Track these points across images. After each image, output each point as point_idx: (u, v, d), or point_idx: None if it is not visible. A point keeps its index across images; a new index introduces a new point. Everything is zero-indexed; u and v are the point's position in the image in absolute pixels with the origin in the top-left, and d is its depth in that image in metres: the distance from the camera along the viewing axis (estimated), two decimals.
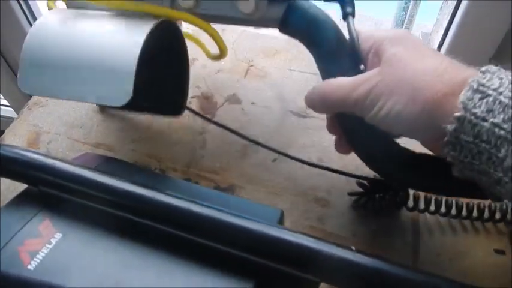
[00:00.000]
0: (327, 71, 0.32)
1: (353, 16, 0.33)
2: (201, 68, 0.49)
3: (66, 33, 0.32)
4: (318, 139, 0.43)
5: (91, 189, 0.27)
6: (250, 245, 0.24)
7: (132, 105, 0.29)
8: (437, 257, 0.36)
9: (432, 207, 0.36)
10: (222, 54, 0.39)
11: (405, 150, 0.32)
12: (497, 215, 0.36)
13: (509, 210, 0.36)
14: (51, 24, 0.32)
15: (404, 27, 0.88)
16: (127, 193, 0.26)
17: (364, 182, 0.37)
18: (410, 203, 0.36)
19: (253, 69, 0.49)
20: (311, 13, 0.33)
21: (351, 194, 0.39)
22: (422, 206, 0.36)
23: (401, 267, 0.24)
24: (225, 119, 0.44)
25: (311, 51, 0.34)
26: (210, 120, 0.43)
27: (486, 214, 0.36)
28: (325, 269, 0.24)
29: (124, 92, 0.29)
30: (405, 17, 0.86)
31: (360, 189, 0.38)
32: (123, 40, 0.31)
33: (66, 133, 0.43)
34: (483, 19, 0.57)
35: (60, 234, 0.26)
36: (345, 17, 0.33)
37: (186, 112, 0.43)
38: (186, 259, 0.25)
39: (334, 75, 0.31)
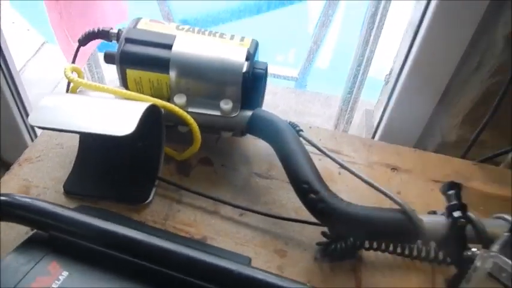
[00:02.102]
0: (288, 166, 0.42)
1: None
2: None
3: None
4: (277, 197, 0.50)
5: (93, 233, 0.32)
6: (229, 282, 0.30)
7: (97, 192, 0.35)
8: None
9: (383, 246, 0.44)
10: (193, 149, 0.48)
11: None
12: (424, 254, 0.44)
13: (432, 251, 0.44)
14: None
15: (350, 105, 1.02)
16: (125, 237, 0.32)
17: (326, 231, 0.45)
18: (366, 244, 0.44)
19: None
20: (270, 119, 0.44)
21: (319, 243, 0.46)
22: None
23: None
24: (198, 179, 0.51)
25: (273, 147, 0.45)
26: (181, 187, 0.49)
27: (415, 252, 0.44)
28: None
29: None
30: (351, 96, 0.99)
31: (324, 239, 0.45)
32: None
33: (54, 187, 0.48)
34: (413, 102, 0.69)
35: (67, 273, 0.31)
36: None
37: (164, 169, 0.50)
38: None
39: (294, 167, 0.41)
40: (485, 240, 0.38)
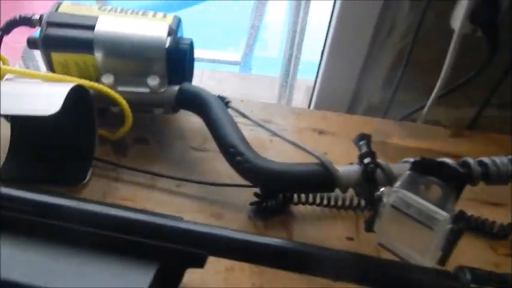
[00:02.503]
0: (216, 133, 0.46)
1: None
2: None
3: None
4: (213, 167, 0.53)
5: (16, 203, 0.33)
6: (156, 233, 0.33)
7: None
8: None
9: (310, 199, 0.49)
10: (125, 128, 0.50)
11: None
12: (347, 203, 0.49)
13: (355, 199, 0.48)
14: None
15: (289, 82, 1.06)
16: (41, 203, 0.33)
17: (258, 191, 0.48)
18: (295, 198, 0.48)
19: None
20: (196, 91, 0.47)
21: (252, 203, 0.49)
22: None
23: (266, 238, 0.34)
24: (135, 157, 0.53)
25: (202, 118, 0.48)
26: (117, 165, 0.51)
27: (340, 202, 0.49)
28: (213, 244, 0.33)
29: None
30: (289, 74, 1.04)
31: (256, 199, 0.48)
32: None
33: None
34: (338, 70, 0.74)
35: None
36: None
37: (100, 150, 0.51)
38: (101, 253, 0.32)
39: (220, 133, 0.44)
40: (393, 181, 0.43)
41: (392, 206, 0.38)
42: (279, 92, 1.11)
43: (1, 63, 0.48)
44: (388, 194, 0.39)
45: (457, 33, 0.55)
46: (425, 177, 0.39)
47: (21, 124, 0.47)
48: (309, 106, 0.83)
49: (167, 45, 0.47)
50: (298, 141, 0.59)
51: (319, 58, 0.75)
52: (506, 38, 0.59)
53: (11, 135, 0.49)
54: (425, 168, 0.38)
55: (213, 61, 1.50)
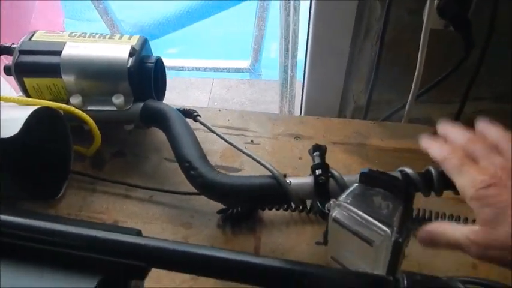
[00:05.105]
0: (174, 148, 0.47)
1: None
2: None
3: None
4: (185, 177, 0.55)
5: None
6: (97, 247, 0.35)
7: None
8: (273, 253, 0.48)
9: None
10: (95, 144, 0.52)
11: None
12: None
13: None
14: None
15: (289, 84, 1.06)
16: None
17: None
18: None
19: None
20: (158, 108, 0.49)
21: (219, 211, 0.50)
22: None
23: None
24: (112, 170, 0.55)
25: (164, 133, 0.49)
26: (93, 177, 0.53)
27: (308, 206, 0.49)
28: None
29: None
30: (288, 78, 1.04)
31: (224, 207, 0.50)
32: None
33: None
34: (324, 74, 0.74)
35: None
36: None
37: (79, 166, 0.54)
38: (41, 267, 0.34)
39: (178, 149, 0.46)
40: None
41: (334, 220, 0.38)
42: (280, 96, 1.11)
43: None
44: (332, 207, 0.38)
45: (425, 27, 0.54)
46: (373, 189, 0.38)
47: None
48: (300, 112, 0.83)
49: (129, 65, 0.49)
50: (274, 147, 0.60)
51: (303, 63, 0.75)
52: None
53: None
54: (372, 180, 0.38)
55: (224, 70, 1.53)
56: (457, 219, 0.49)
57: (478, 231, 0.32)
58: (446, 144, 0.38)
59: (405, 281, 0.32)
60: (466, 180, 0.34)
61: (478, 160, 0.35)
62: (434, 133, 0.62)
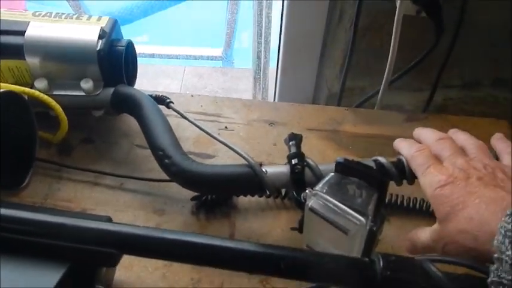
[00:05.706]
0: (147, 136, 0.46)
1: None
2: None
3: None
4: (157, 165, 0.53)
5: None
6: (66, 234, 0.33)
7: None
8: (248, 239, 0.47)
9: None
10: (62, 130, 0.50)
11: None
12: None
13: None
14: None
15: (262, 71, 1.05)
16: None
17: None
18: None
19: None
20: (130, 93, 0.47)
21: (193, 198, 0.49)
22: None
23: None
24: (79, 157, 0.53)
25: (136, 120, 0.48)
26: (59, 164, 0.51)
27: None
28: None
29: None
30: (261, 65, 1.03)
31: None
32: None
33: None
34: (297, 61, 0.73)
35: None
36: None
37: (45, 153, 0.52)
38: (11, 256, 0.33)
39: (150, 136, 0.45)
40: None
41: (311, 209, 0.37)
42: (253, 83, 1.10)
43: None
44: (308, 196, 0.38)
45: (397, 13, 0.54)
46: (348, 178, 0.38)
47: None
48: (274, 99, 0.83)
49: (98, 47, 0.47)
50: (249, 133, 0.59)
51: (277, 49, 0.74)
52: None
53: None
54: (347, 170, 0.38)
55: (196, 57, 1.50)
56: (428, 204, 0.50)
57: (436, 230, 0.35)
58: (416, 143, 0.40)
59: (381, 262, 0.32)
60: (427, 179, 0.36)
61: (442, 160, 0.36)
62: (408, 120, 0.63)
